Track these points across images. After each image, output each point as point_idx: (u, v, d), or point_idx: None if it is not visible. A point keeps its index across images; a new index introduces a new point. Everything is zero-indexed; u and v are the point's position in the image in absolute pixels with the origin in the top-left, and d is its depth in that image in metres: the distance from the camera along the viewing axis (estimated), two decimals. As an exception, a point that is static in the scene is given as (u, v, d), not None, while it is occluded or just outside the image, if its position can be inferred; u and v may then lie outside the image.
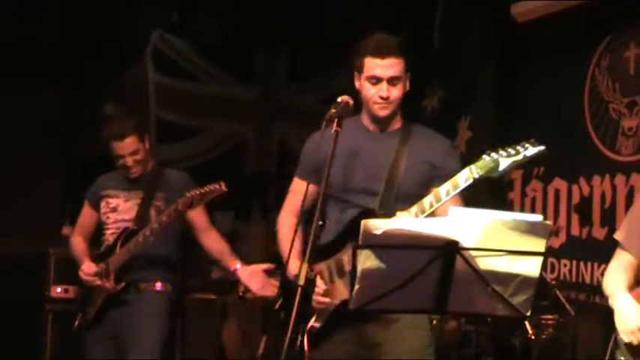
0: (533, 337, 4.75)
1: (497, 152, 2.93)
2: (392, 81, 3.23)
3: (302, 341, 3.18)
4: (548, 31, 5.64)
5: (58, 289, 5.53)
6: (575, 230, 5.39)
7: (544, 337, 4.81)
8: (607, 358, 4.59)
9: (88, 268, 4.31)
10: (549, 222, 2.77)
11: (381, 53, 3.22)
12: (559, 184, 5.54)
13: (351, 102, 3.18)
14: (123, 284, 4.22)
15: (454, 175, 3.09)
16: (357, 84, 3.32)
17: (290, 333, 2.81)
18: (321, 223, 2.99)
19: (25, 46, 6.26)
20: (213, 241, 4.33)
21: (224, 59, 7.21)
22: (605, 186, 5.15)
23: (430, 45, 6.73)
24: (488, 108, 6.23)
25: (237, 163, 7.23)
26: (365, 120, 3.38)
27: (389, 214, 3.13)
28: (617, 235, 3.40)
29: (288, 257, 3.15)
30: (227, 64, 7.25)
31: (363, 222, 2.64)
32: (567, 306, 4.77)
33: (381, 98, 3.24)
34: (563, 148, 5.27)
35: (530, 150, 2.90)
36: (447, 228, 2.64)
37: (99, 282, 4.25)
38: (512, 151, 2.91)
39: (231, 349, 6.08)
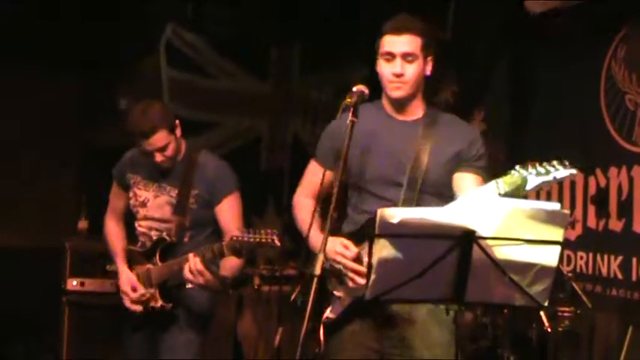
0: (549, 329, 4.73)
1: (526, 169, 2.85)
2: (406, 57, 3.18)
3: (318, 331, 3.16)
4: (564, 21, 5.60)
5: (74, 282, 5.53)
6: (591, 222, 5.36)
7: (560, 329, 4.78)
8: (624, 350, 4.59)
9: (131, 291, 4.06)
10: (567, 210, 2.75)
11: (397, 30, 3.19)
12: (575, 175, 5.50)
13: (367, 91, 3.15)
14: (171, 305, 4.01)
15: (478, 158, 3.22)
16: (377, 67, 3.27)
17: (307, 323, 2.78)
18: (335, 215, 2.98)
19: (37, 34, 6.28)
20: (227, 264, 3.97)
21: (237, 54, 7.20)
22: (621, 177, 5.12)
23: (443, 39, 6.70)
24: (502, 101, 6.20)
25: (250, 158, 7.22)
26: (385, 104, 3.31)
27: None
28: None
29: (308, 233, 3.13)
30: (240, 58, 7.24)
31: (379, 210, 2.63)
32: (584, 298, 4.74)
33: (394, 75, 3.19)
34: (580, 139, 5.24)
35: (562, 172, 2.82)
36: (464, 216, 2.63)
37: (138, 308, 4.05)
38: (543, 170, 2.83)
39: (247, 342, 6.08)
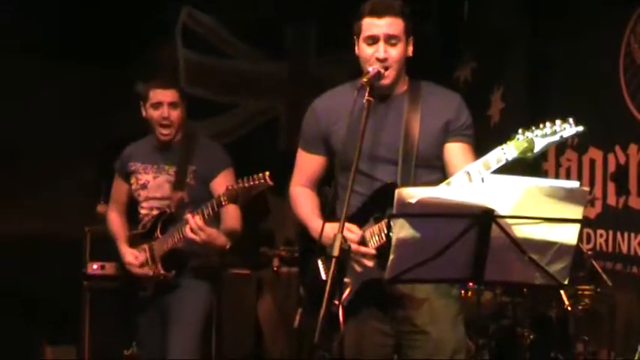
0: (569, 308, 4.72)
1: (531, 131, 2.81)
2: (389, 40, 3.13)
3: (337, 313, 3.14)
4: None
5: (95, 266, 5.57)
6: (611, 200, 5.32)
7: (581, 307, 4.78)
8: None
9: (135, 259, 4.23)
10: (586, 188, 2.72)
11: (377, 12, 3.13)
12: (594, 153, 5.47)
13: (383, 71, 3.14)
14: (174, 273, 4.15)
15: (466, 127, 3.19)
16: (356, 49, 3.24)
17: (325, 305, 2.75)
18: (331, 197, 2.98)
19: (60, 25, 6.29)
20: (228, 216, 4.17)
21: (253, 35, 7.18)
22: (642, 154, 5.09)
23: (461, 16, 6.66)
24: (521, 77, 6.15)
25: (268, 139, 7.22)
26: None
27: (409, 185, 3.05)
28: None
29: (322, 230, 3.05)
30: (256, 39, 7.22)
31: (397, 191, 2.61)
32: (604, 276, 4.72)
33: (378, 60, 3.13)
34: (599, 116, 5.20)
35: (568, 130, 2.78)
36: (482, 195, 2.61)
37: (148, 272, 4.19)
38: (549, 131, 2.79)
39: (267, 324, 6.09)
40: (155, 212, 4.25)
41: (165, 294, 4.20)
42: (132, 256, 4.26)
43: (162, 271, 4.16)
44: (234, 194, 3.80)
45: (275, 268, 5.93)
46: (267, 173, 3.71)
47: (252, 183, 3.73)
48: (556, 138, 2.80)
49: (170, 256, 4.16)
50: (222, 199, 3.85)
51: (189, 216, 3.95)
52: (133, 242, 4.34)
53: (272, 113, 7.40)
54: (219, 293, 4.41)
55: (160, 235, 4.20)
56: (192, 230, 3.92)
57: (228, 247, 4.19)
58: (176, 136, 4.26)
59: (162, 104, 4.19)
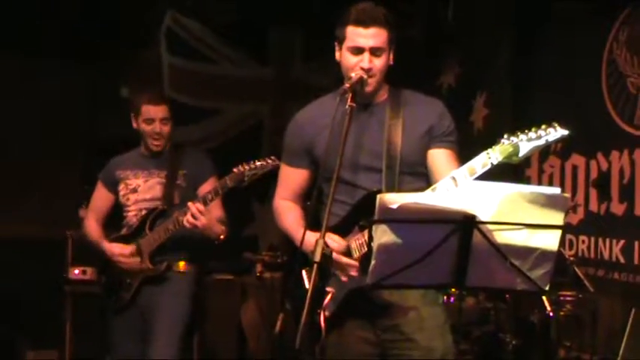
0: (552, 313, 4.73)
1: (516, 136, 2.81)
2: (375, 52, 3.12)
3: (318, 319, 3.13)
4: (566, 3, 5.57)
5: (76, 271, 5.57)
6: (593, 206, 5.35)
7: (563, 313, 4.79)
8: (627, 333, 4.59)
9: (121, 250, 4.24)
10: (568, 194, 2.73)
11: (364, 22, 3.10)
12: (577, 159, 5.49)
13: (366, 77, 3.13)
14: (165, 265, 4.20)
15: (449, 133, 3.19)
16: (337, 55, 3.21)
17: (307, 311, 2.73)
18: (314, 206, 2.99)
19: (42, 27, 6.27)
20: (213, 208, 4.19)
21: (237, 39, 7.18)
22: (623, 161, 5.10)
23: (445, 21, 6.67)
24: (504, 84, 6.17)
25: (252, 144, 7.22)
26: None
27: (394, 192, 3.03)
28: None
29: (303, 236, 3.00)
30: (241, 44, 7.22)
31: (379, 196, 2.59)
32: (586, 282, 4.74)
33: (363, 70, 3.11)
34: (581, 123, 5.21)
35: (553, 135, 2.77)
36: (464, 201, 2.61)
37: (137, 263, 4.21)
38: (534, 135, 2.79)
39: (251, 329, 6.08)
40: (144, 213, 4.28)
41: (149, 289, 4.22)
42: (118, 247, 4.27)
43: (150, 266, 4.19)
44: (241, 176, 3.87)
45: (258, 274, 5.93)
46: (273, 157, 3.80)
47: (259, 163, 3.84)
48: (541, 142, 2.80)
49: (158, 251, 4.20)
50: (227, 181, 3.93)
51: (189, 204, 4.00)
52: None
53: (256, 118, 7.40)
54: (203, 288, 4.42)
55: (148, 232, 4.22)
56: (193, 216, 3.95)
57: (224, 237, 4.22)
58: (166, 146, 4.36)
59: (154, 120, 4.29)
